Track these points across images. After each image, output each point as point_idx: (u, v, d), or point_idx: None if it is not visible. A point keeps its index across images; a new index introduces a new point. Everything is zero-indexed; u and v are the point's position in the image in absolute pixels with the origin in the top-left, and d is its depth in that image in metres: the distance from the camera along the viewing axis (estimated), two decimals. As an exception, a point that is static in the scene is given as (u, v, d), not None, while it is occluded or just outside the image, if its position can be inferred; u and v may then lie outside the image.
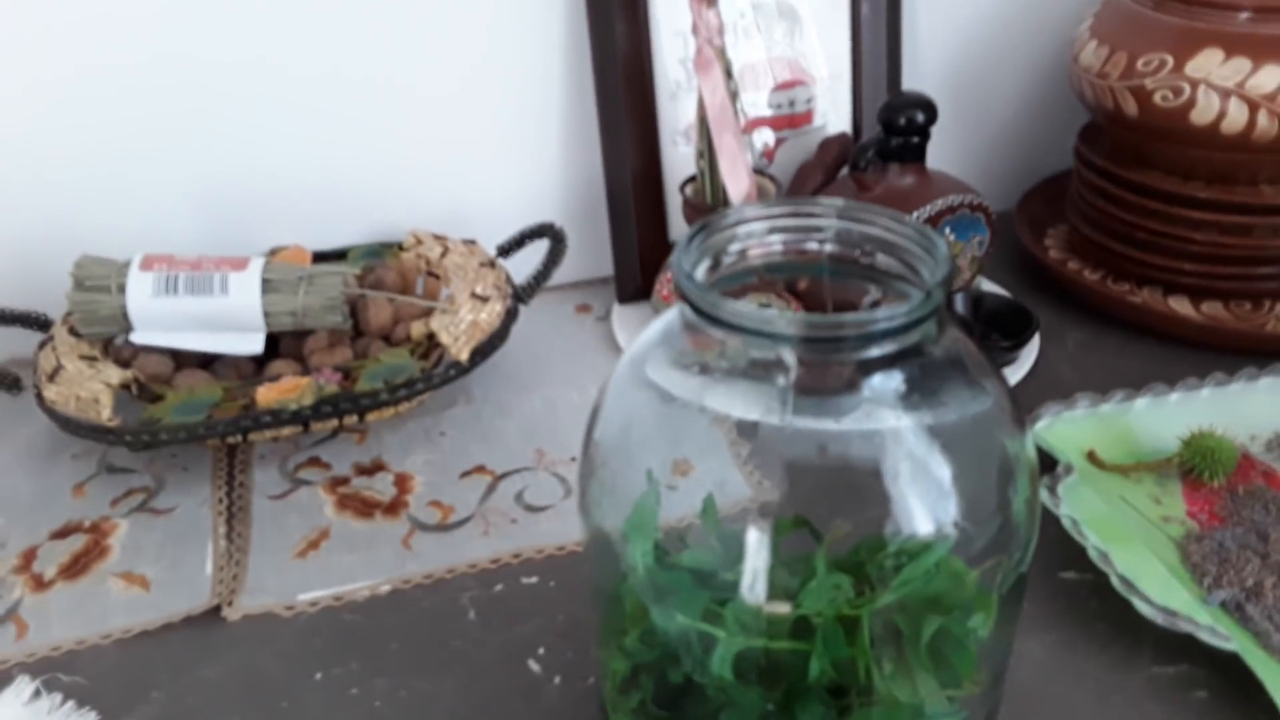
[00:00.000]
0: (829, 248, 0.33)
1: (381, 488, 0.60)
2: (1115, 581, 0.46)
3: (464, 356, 0.60)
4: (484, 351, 0.61)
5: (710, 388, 0.41)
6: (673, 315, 0.38)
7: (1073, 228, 0.76)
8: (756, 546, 0.40)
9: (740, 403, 0.38)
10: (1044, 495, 0.52)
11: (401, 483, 0.60)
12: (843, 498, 0.39)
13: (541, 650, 0.49)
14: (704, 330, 0.33)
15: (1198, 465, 0.55)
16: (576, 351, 0.71)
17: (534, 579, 0.54)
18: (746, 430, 0.40)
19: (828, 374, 0.32)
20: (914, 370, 0.32)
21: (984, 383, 0.35)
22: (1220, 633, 0.44)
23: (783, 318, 0.29)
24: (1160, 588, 0.47)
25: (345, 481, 0.61)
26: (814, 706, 0.37)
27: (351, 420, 0.63)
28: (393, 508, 0.59)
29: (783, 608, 0.38)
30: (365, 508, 0.59)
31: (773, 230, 0.33)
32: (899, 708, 0.37)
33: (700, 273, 0.34)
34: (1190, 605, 0.46)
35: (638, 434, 0.42)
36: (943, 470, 0.35)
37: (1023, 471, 0.36)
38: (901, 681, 0.37)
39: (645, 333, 0.40)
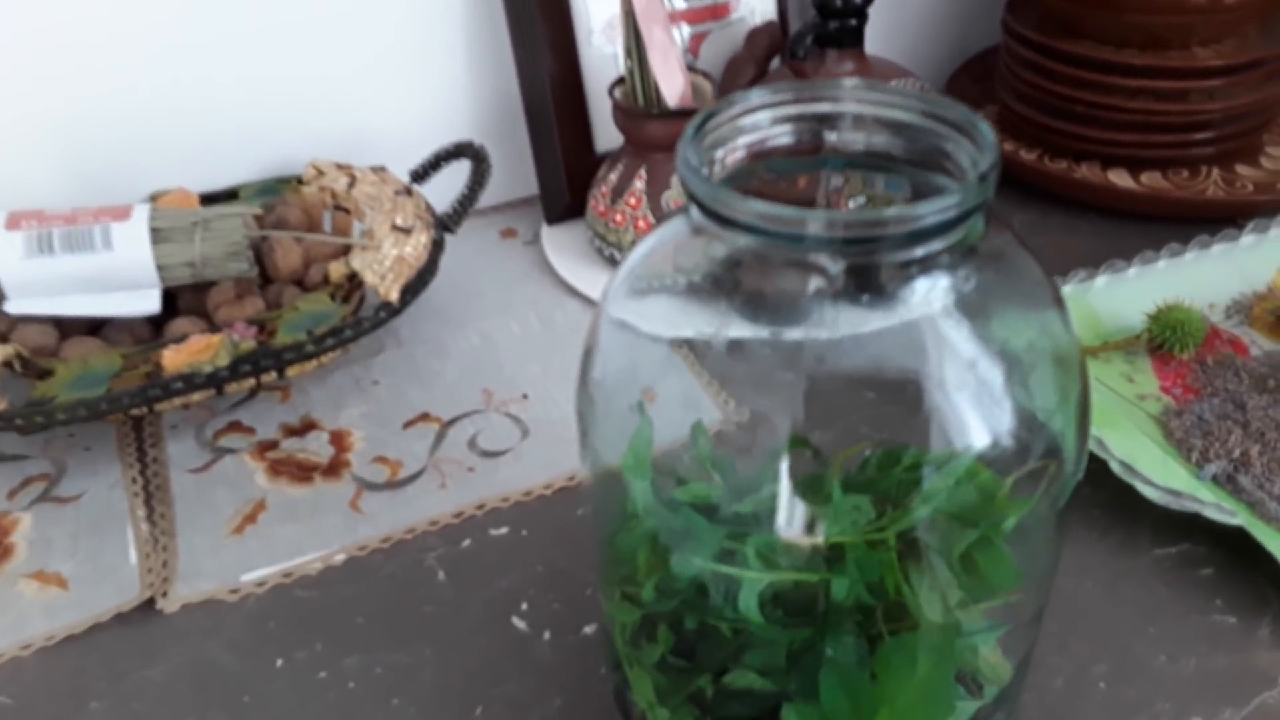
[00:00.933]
0: (848, 137, 0.29)
1: (317, 448, 0.55)
2: (1116, 467, 0.45)
3: (394, 296, 0.54)
4: (414, 289, 0.56)
5: (698, 306, 0.37)
6: (673, 227, 0.33)
7: (1004, 106, 0.74)
8: (772, 472, 0.37)
9: (745, 317, 0.35)
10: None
11: (338, 440, 0.55)
12: (858, 418, 0.36)
13: (524, 605, 0.46)
14: (716, 236, 0.29)
15: (1168, 339, 0.54)
16: (508, 280, 0.66)
17: (504, 530, 0.49)
18: (737, 349, 0.37)
19: (862, 278, 0.29)
20: (960, 270, 0.29)
21: (1032, 281, 0.32)
22: (1225, 509, 0.43)
23: (815, 217, 0.25)
24: (1159, 469, 0.46)
25: (274, 445, 0.55)
26: (843, 638, 0.35)
27: (270, 378, 0.57)
28: (333, 469, 0.53)
29: (804, 539, 0.35)
30: (302, 472, 0.53)
31: (780, 120, 0.29)
32: (933, 629, 0.35)
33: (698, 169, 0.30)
34: (1191, 484, 0.45)
35: (622, 365, 0.38)
36: (994, 375, 0.32)
37: (1074, 372, 0.33)
38: (933, 601, 0.35)
39: (640, 247, 0.35)
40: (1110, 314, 0.57)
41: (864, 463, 0.37)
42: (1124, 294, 0.58)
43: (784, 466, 0.36)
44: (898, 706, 0.33)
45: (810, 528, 0.35)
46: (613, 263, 0.65)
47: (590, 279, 0.64)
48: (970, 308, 0.30)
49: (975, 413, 0.31)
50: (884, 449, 0.37)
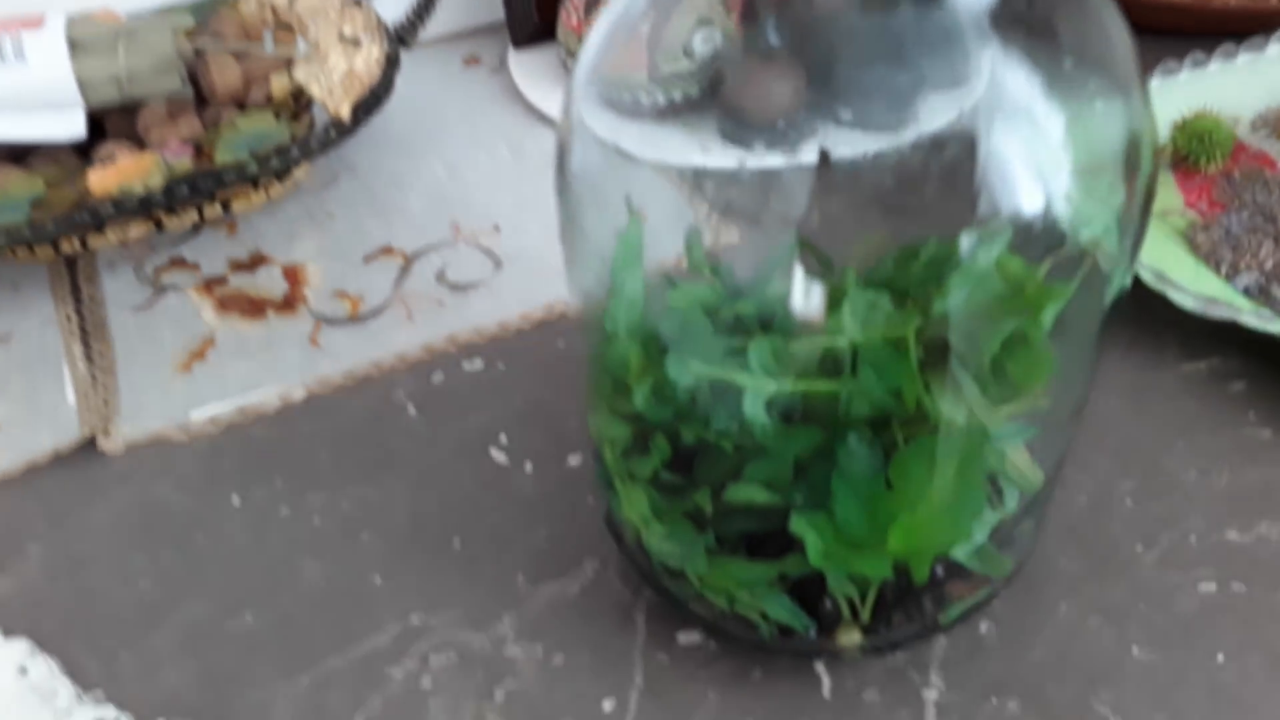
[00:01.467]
0: None
1: (268, 283, 0.50)
2: (1147, 276, 0.41)
3: (344, 113, 0.49)
4: (367, 107, 0.50)
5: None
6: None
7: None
8: (774, 275, 0.33)
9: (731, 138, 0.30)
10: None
11: (292, 275, 0.50)
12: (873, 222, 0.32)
13: (503, 438, 0.42)
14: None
15: (1193, 150, 0.50)
16: (475, 109, 0.61)
17: (478, 364, 0.45)
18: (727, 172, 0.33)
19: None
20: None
21: (1103, 18, 0.28)
22: (1264, 314, 0.40)
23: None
24: (1191, 277, 0.42)
25: (222, 281, 0.50)
26: (856, 446, 0.31)
27: (214, 212, 0.51)
28: (288, 304, 0.49)
29: (815, 340, 0.31)
30: (253, 308, 0.49)
31: None
32: (956, 431, 0.31)
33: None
34: (1226, 292, 0.42)
35: (600, 173, 0.34)
36: (1053, 123, 0.27)
37: (1146, 142, 0.29)
38: (957, 404, 0.31)
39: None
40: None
41: (879, 263, 0.33)
42: (1142, 109, 0.53)
43: (792, 264, 0.32)
44: (917, 515, 0.30)
45: (820, 330, 0.31)
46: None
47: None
48: (1032, 26, 0.25)
49: (1023, 167, 0.27)
50: (901, 246, 0.33)
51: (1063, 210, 0.29)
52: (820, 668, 0.34)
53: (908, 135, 0.31)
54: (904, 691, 0.33)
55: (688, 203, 0.34)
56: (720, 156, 0.34)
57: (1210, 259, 0.45)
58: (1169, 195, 0.50)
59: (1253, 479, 0.38)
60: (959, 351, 0.30)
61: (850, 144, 0.31)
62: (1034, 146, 0.27)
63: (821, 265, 0.33)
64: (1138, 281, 0.42)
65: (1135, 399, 0.41)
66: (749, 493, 0.31)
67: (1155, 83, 0.54)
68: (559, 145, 0.32)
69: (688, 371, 0.30)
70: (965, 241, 0.30)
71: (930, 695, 0.33)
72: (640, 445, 0.33)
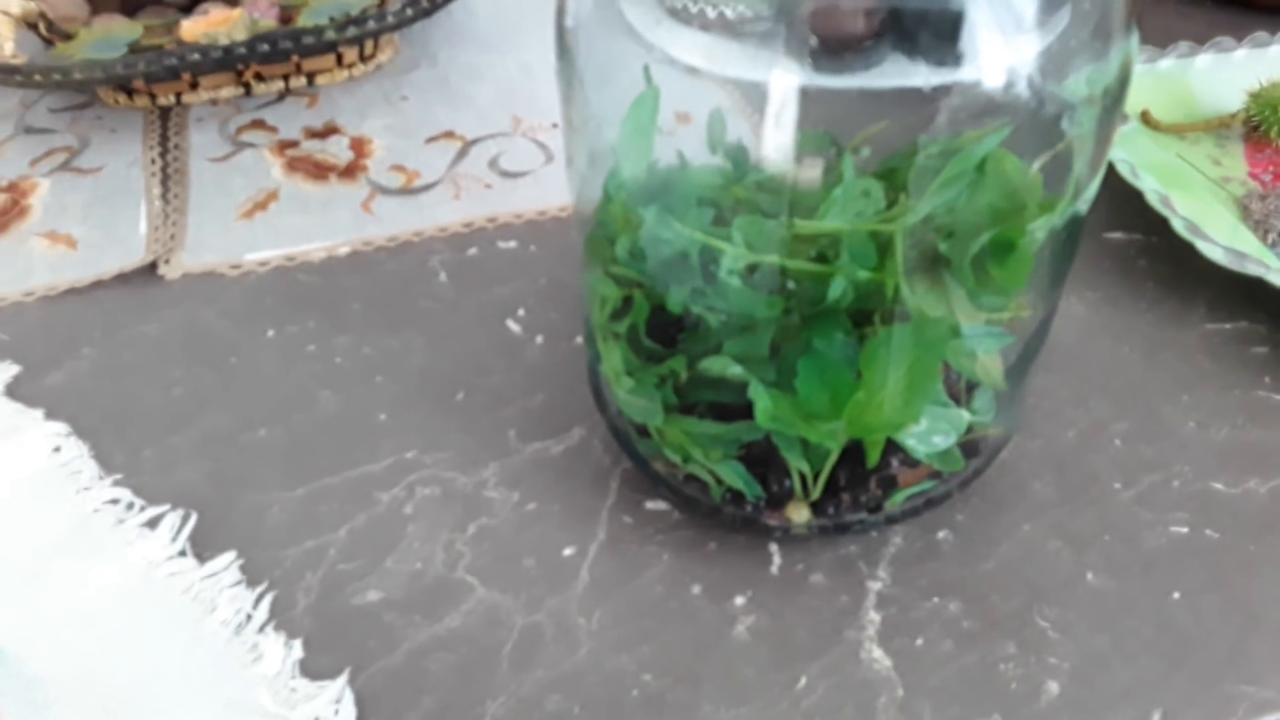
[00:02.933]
0: None
1: (336, 151, 0.53)
2: (1178, 225, 0.41)
3: (426, -7, 0.51)
4: (450, -7, 0.52)
5: None
6: None
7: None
8: (773, 142, 0.34)
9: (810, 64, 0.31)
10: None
11: (359, 146, 0.53)
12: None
13: (521, 311, 0.44)
14: None
15: (1266, 119, 0.48)
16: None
17: (512, 243, 0.47)
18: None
19: None
20: None
21: None
22: (1294, 274, 0.39)
23: None
24: (1226, 232, 0.41)
25: (294, 145, 0.53)
26: (832, 331, 0.32)
27: (299, 83, 0.55)
28: (350, 171, 0.52)
29: (804, 224, 0.32)
30: (318, 170, 0.52)
31: None
32: (929, 324, 0.32)
33: None
34: (1260, 250, 0.41)
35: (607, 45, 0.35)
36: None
37: (1122, 36, 0.29)
38: (934, 299, 0.32)
39: None
40: (1208, 97, 0.52)
41: (889, 158, 0.33)
42: (1226, 78, 0.52)
43: (787, 140, 0.33)
44: (874, 397, 0.31)
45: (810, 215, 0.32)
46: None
47: (649, 19, 0.60)
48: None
49: (999, 36, 0.27)
50: (910, 143, 0.33)
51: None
52: (773, 547, 0.35)
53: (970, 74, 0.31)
54: (850, 579, 0.34)
55: (739, 113, 0.35)
56: (787, 75, 0.34)
57: (1259, 226, 0.44)
58: (1234, 164, 0.49)
59: (1253, 438, 0.38)
60: (946, 249, 0.31)
61: (915, 76, 0.31)
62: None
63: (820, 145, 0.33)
64: (1171, 236, 0.42)
65: (1150, 351, 0.41)
66: (721, 364, 0.32)
67: (1241, 53, 0.53)
68: (557, 5, 0.33)
69: (669, 228, 0.32)
70: (962, 138, 0.31)
71: (874, 586, 0.34)
72: (628, 307, 0.35)
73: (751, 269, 0.32)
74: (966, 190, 0.31)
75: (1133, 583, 0.34)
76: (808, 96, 0.32)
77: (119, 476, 0.37)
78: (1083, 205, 0.31)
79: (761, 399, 0.30)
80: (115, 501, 0.36)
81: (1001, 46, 0.28)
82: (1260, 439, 0.38)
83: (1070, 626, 0.32)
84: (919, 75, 0.31)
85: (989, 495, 0.35)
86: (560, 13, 0.33)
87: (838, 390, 0.31)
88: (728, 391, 0.33)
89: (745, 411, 0.33)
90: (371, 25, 0.49)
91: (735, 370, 0.32)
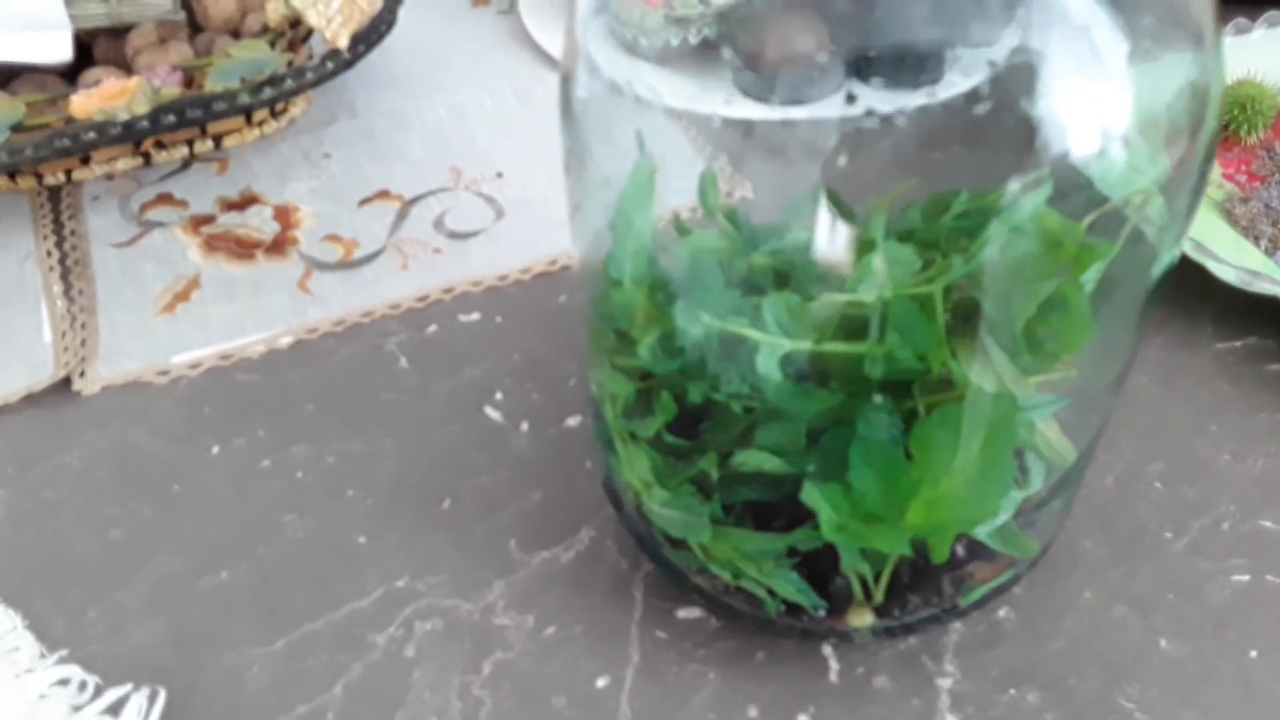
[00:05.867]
0: None
1: (259, 223, 0.48)
2: (1186, 247, 0.39)
3: (343, 42, 0.46)
4: (367, 39, 0.48)
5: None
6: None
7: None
8: (793, 223, 0.31)
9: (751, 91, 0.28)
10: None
11: (284, 216, 0.48)
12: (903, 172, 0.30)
13: (499, 395, 0.40)
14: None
15: (1235, 118, 0.48)
16: (480, 50, 0.58)
17: (474, 315, 0.43)
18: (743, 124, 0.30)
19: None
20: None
21: None
22: (1311, 291, 0.38)
23: None
24: (1233, 249, 0.40)
25: (210, 220, 0.48)
26: (876, 413, 0.29)
27: (204, 147, 0.49)
28: (278, 246, 0.46)
29: (837, 297, 0.29)
30: (242, 248, 0.46)
31: None
32: (983, 398, 0.29)
33: None
34: (1269, 265, 0.39)
35: (606, 109, 0.31)
36: (1116, 49, 0.25)
37: (1214, 96, 0.26)
38: (983, 369, 0.29)
39: None
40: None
41: (903, 211, 0.31)
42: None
43: (814, 213, 0.30)
44: (939, 489, 0.28)
45: (841, 286, 0.29)
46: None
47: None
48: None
49: (1079, 103, 0.25)
50: (929, 196, 0.30)
51: (1115, 159, 0.26)
52: (828, 650, 0.32)
53: (937, 93, 0.29)
54: (916, 679, 0.31)
55: (698, 151, 0.31)
56: (741, 107, 0.32)
57: (1248, 233, 0.43)
58: (1208, 165, 0.47)
59: (1290, 466, 0.36)
60: (990, 313, 0.28)
61: (875, 100, 0.28)
62: (1093, 84, 0.25)
63: (844, 216, 0.31)
64: (1176, 254, 0.40)
65: (1166, 378, 0.39)
66: (758, 459, 0.29)
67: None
68: (562, 74, 0.30)
69: (697, 322, 0.28)
70: (1008, 191, 0.28)
71: (944, 684, 0.31)
72: (644, 403, 0.31)
73: (788, 358, 0.29)
74: (1008, 247, 0.28)
75: (1206, 644, 0.32)
76: (764, 127, 0.30)
77: (64, 652, 0.32)
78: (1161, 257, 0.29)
79: (824, 510, 0.27)
80: (65, 682, 0.31)
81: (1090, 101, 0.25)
82: (1298, 467, 0.36)
83: (1155, 705, 0.30)
84: (882, 100, 0.29)
85: (1042, 562, 0.33)
86: (566, 88, 0.29)
87: (893, 479, 0.28)
88: (764, 486, 0.30)
89: (785, 507, 0.30)
90: (289, 84, 0.44)
91: (775, 464, 0.29)
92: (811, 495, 0.28)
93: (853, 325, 0.29)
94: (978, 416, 0.28)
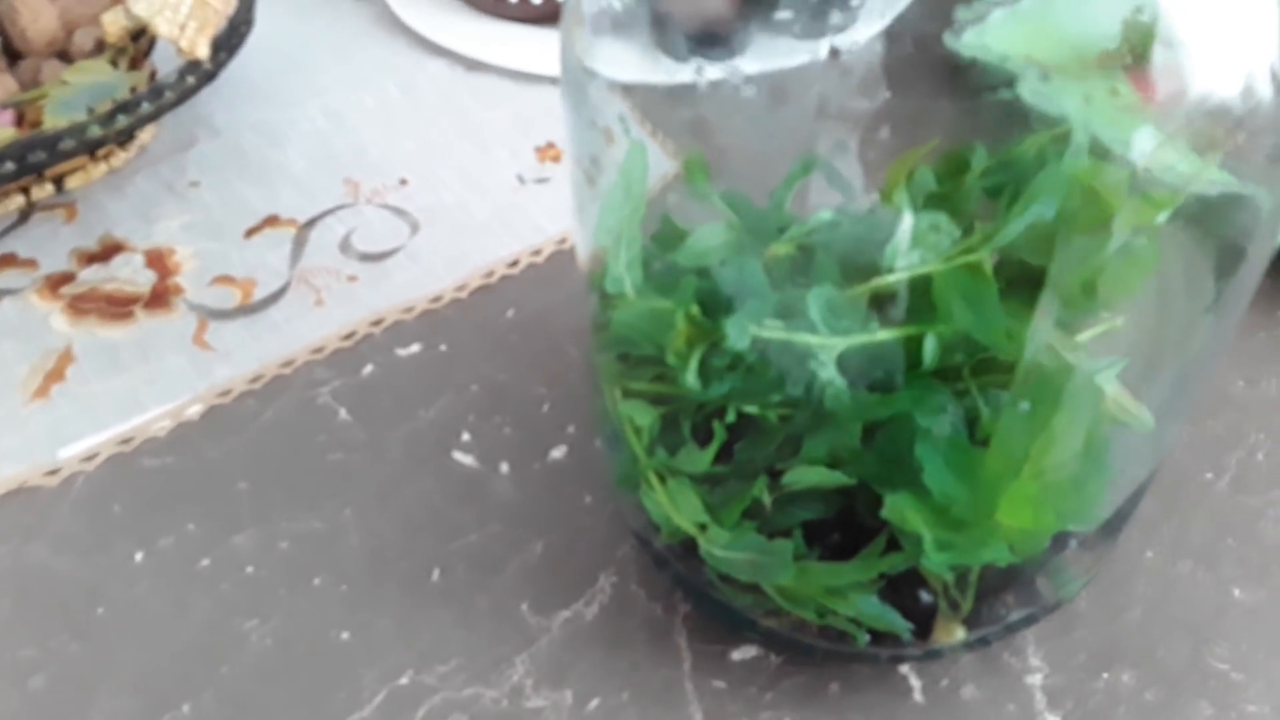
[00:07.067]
0: None
1: (129, 275, 0.40)
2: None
3: (203, 51, 0.39)
4: (228, 45, 0.41)
5: None
6: None
7: None
8: (790, 188, 0.27)
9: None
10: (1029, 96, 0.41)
11: (159, 262, 0.41)
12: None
13: (465, 436, 0.35)
14: None
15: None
16: (347, 43, 0.52)
17: (414, 348, 0.38)
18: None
19: None
20: None
21: None
22: None
23: None
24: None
25: (69, 278, 0.40)
26: (933, 402, 0.26)
27: (43, 191, 0.41)
28: (159, 298, 0.40)
29: (885, 278, 0.25)
30: (116, 307, 0.39)
31: None
32: (1042, 377, 0.26)
33: None
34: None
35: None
36: None
37: None
38: (1041, 338, 0.26)
39: None
40: (1081, 30, 0.49)
41: (909, 179, 0.27)
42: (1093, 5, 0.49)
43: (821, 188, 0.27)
44: (1029, 479, 0.25)
45: (872, 271, 0.26)
46: (487, 11, 0.51)
47: (456, 30, 0.50)
48: None
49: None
50: (942, 154, 0.27)
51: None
52: (905, 669, 0.29)
53: (852, 37, 0.26)
54: (1005, 681, 0.28)
55: (638, 126, 0.27)
56: (680, 71, 0.28)
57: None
58: (1129, 94, 0.46)
59: (1302, 384, 0.35)
60: (1041, 276, 0.25)
61: (789, 54, 0.25)
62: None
63: (841, 188, 0.28)
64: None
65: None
66: (814, 475, 0.26)
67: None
68: (561, 43, 0.25)
69: (744, 334, 0.24)
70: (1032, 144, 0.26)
71: (1035, 680, 0.28)
72: (672, 431, 0.27)
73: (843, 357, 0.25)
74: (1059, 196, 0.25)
75: (1278, 585, 0.30)
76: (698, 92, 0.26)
77: None
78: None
79: (918, 525, 0.24)
80: None
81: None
82: (1309, 383, 0.35)
83: (1247, 661, 0.29)
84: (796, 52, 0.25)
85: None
86: (565, 55, 0.25)
87: (972, 475, 0.25)
88: (817, 504, 0.27)
89: (833, 524, 0.27)
90: (146, 108, 0.37)
91: (834, 478, 0.26)
92: (896, 510, 0.24)
93: (883, 310, 0.26)
94: (1054, 391, 0.25)
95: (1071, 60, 0.45)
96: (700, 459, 0.25)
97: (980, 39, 0.44)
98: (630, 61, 0.29)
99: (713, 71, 0.26)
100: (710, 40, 0.26)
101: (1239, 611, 0.30)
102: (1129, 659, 0.29)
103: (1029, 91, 0.30)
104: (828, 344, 0.25)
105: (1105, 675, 0.28)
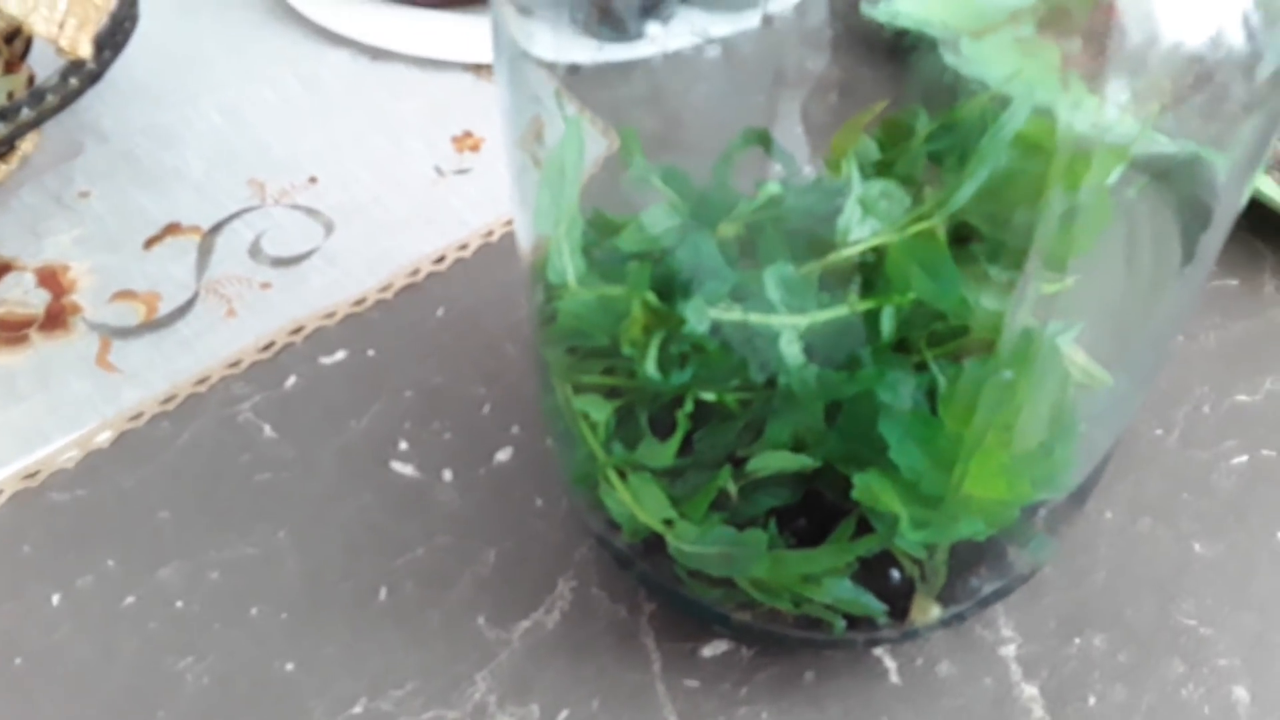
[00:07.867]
0: None
1: (21, 295, 0.37)
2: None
3: (85, 50, 0.36)
4: (112, 42, 0.38)
5: None
6: None
7: None
8: (730, 161, 0.26)
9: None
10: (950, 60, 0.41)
11: (52, 280, 0.38)
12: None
13: (403, 444, 0.33)
14: None
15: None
16: (239, 36, 0.49)
17: (340, 355, 0.36)
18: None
19: None
20: None
21: None
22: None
23: None
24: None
25: (-49, 303, 0.37)
26: (892, 376, 0.25)
27: (-83, 210, 0.38)
28: (55, 319, 0.37)
29: (843, 251, 0.25)
30: (9, 331, 0.36)
31: None
32: (1023, 340, 0.26)
33: None
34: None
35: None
36: None
37: None
38: (993, 300, 0.26)
39: None
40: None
41: (859, 145, 0.27)
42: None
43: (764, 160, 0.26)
44: (995, 449, 0.25)
45: (825, 245, 0.25)
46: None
47: (357, 18, 0.48)
48: None
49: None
50: (884, 120, 0.27)
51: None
52: (879, 651, 0.28)
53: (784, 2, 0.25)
54: (980, 655, 0.28)
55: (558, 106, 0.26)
56: (615, 48, 0.26)
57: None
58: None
59: (1238, 334, 0.36)
60: (992, 239, 0.25)
61: (709, 25, 0.25)
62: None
63: (782, 160, 0.27)
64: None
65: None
66: (779, 460, 0.25)
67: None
68: (493, 24, 0.23)
69: (704, 317, 0.23)
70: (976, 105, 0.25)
71: (1009, 652, 0.28)
72: (629, 424, 0.26)
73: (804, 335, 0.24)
74: (1008, 157, 0.25)
75: (1236, 538, 0.30)
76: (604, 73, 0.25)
77: None
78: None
79: (893, 504, 0.23)
80: None
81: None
82: (1245, 333, 0.36)
83: (1213, 615, 0.29)
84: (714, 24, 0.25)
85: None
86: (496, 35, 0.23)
87: (938, 451, 0.25)
88: (782, 489, 0.26)
89: (802, 508, 0.26)
90: (27, 114, 0.34)
91: (800, 461, 0.25)
92: (867, 491, 0.23)
93: (837, 283, 0.25)
94: (1018, 358, 0.25)
95: (981, 23, 0.44)
96: (663, 452, 0.24)
97: (891, 6, 0.43)
98: (564, 40, 0.28)
99: (643, 46, 0.25)
100: (648, 10, 0.25)
101: (1201, 566, 0.30)
102: (1099, 622, 0.28)
103: (952, 57, 0.29)
104: (790, 323, 0.24)
105: (1077, 641, 0.28)
